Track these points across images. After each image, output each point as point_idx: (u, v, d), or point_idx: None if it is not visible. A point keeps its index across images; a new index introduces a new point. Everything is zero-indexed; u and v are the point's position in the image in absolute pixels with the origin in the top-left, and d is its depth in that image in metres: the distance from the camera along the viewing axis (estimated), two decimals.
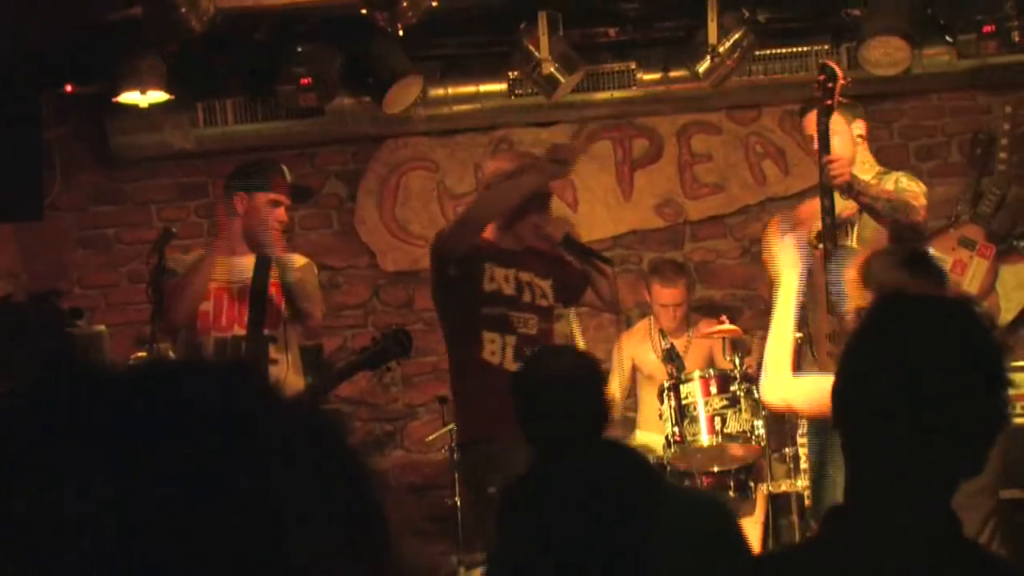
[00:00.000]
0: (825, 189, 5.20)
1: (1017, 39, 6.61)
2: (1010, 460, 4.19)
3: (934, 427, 2.00)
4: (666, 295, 6.84)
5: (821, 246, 5.20)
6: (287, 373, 5.27)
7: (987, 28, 6.64)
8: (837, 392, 2.10)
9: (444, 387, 6.84)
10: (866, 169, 5.61)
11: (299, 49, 6.73)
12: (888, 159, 6.61)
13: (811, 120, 5.45)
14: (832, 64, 5.40)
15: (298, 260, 5.50)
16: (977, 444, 2.04)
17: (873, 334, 2.12)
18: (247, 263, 5.26)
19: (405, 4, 6.01)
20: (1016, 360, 6.37)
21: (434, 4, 6.04)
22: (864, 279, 3.82)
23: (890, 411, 2.01)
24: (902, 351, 2.04)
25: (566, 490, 2.92)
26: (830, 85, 5.22)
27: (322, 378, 5.72)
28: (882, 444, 2.02)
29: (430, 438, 6.99)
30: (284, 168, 5.43)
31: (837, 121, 5.42)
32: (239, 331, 5.26)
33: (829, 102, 5.23)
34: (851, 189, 5.21)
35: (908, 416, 2.00)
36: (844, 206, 5.38)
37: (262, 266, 5.24)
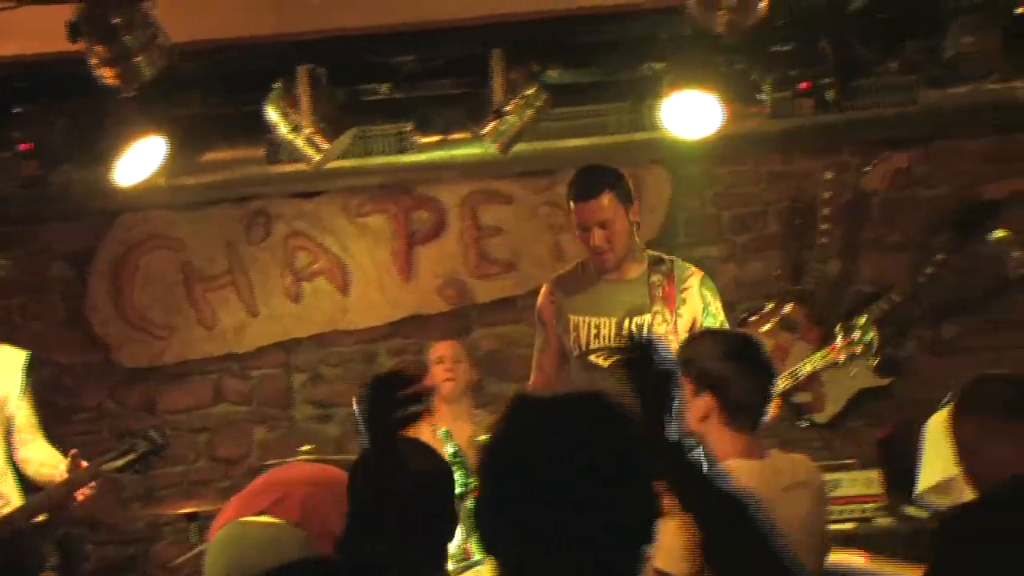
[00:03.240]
0: None
1: (834, 98, 6.35)
2: None
3: (572, 531, 2.11)
4: (439, 348, 6.55)
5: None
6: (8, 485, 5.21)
7: (803, 85, 6.36)
8: (478, 514, 2.21)
9: (194, 502, 6.61)
10: (638, 258, 5.26)
11: (17, 110, 6.28)
12: (700, 231, 6.72)
13: (601, 206, 5.05)
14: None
15: (9, 359, 5.34)
16: (624, 542, 2.15)
17: (498, 449, 2.22)
18: None
19: (139, 59, 5.51)
20: (844, 458, 6.45)
21: (174, 63, 5.62)
22: (685, 364, 3.65)
23: (528, 522, 2.12)
24: (528, 460, 2.15)
25: None
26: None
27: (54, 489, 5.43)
28: (529, 557, 2.13)
29: (179, 561, 6.52)
30: None
31: (616, 211, 5.08)
32: None
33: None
34: None
35: (545, 525, 2.11)
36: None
37: None
